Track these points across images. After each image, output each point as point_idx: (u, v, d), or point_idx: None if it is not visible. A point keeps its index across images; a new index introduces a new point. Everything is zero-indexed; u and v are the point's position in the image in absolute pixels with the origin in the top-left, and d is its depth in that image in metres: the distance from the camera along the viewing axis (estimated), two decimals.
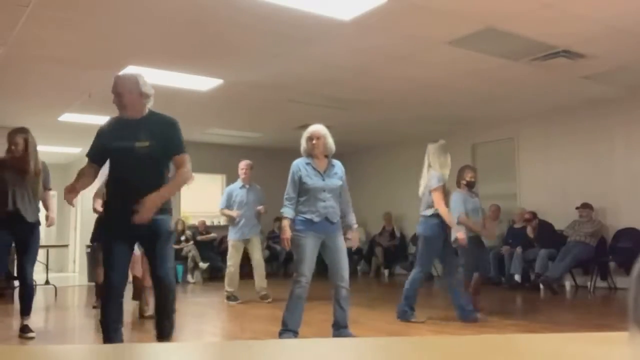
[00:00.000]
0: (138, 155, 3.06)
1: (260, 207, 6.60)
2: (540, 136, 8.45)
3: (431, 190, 4.91)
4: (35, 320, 6.04)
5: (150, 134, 3.10)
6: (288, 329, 3.95)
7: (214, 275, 9.43)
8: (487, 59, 5.70)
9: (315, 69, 6.02)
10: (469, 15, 4.59)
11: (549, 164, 8.30)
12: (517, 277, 7.59)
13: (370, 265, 10.49)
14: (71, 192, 3.10)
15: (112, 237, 3.13)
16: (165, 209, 3.13)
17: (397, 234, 10.15)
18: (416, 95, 7.19)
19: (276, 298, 6.10)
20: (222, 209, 6.65)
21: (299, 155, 4.17)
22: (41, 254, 9.10)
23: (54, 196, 15.13)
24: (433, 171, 4.98)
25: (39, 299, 7.70)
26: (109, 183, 3.21)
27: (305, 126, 4.11)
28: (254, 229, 6.58)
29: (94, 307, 6.16)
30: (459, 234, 5.11)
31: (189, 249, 9.58)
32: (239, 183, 6.65)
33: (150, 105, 3.22)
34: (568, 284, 7.60)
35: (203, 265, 9.47)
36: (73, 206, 3.20)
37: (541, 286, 7.29)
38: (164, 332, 3.22)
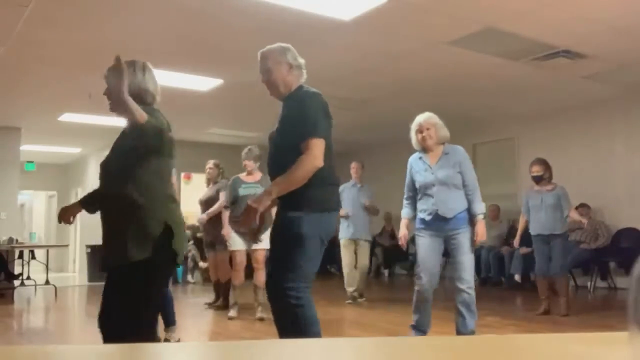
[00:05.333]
0: (272, 143, 2.64)
1: (366, 200, 6.45)
2: (541, 136, 8.45)
3: None
4: (36, 320, 6.05)
5: (281, 116, 2.63)
6: (416, 327, 3.76)
7: None
8: (487, 59, 5.70)
9: (315, 69, 5.98)
10: (469, 15, 4.59)
11: None
12: (517, 277, 7.59)
13: (371, 265, 10.47)
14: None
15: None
16: (294, 203, 2.47)
17: (397, 234, 10.13)
18: (416, 95, 7.19)
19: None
20: None
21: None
22: (41, 253, 9.13)
23: (53, 196, 15.10)
24: None
25: (39, 299, 7.70)
26: None
27: None
28: (363, 230, 6.47)
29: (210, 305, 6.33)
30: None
31: (189, 249, 9.56)
32: (351, 182, 6.56)
33: (294, 85, 2.68)
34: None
35: (203, 265, 9.46)
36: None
37: None
38: None
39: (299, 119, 2.49)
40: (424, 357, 0.70)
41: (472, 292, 3.57)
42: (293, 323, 2.44)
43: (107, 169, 2.40)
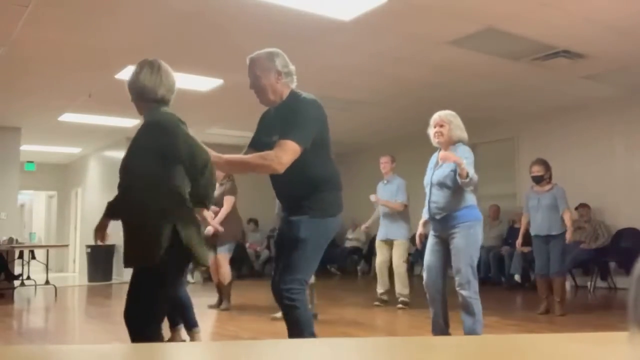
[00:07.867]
0: None
1: (372, 196, 6.04)
2: (540, 136, 8.45)
3: None
4: (36, 320, 6.05)
5: (278, 125, 2.60)
6: (432, 319, 3.69)
7: None
8: (487, 59, 5.70)
9: (315, 69, 6.02)
10: (469, 15, 4.59)
11: None
12: (517, 277, 7.59)
13: (370, 265, 10.49)
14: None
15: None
16: (298, 208, 2.59)
17: None
18: (416, 95, 7.19)
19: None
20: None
21: None
22: (41, 253, 9.13)
23: (54, 196, 15.06)
24: None
25: (39, 299, 7.70)
26: None
27: None
28: (397, 229, 5.96)
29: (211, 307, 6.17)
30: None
31: None
32: (384, 179, 6.28)
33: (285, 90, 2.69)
34: (568, 284, 7.59)
35: None
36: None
37: None
38: None
39: (292, 122, 2.52)
40: (425, 357, 0.70)
41: (468, 294, 3.43)
42: (290, 323, 2.53)
43: (123, 168, 2.46)
